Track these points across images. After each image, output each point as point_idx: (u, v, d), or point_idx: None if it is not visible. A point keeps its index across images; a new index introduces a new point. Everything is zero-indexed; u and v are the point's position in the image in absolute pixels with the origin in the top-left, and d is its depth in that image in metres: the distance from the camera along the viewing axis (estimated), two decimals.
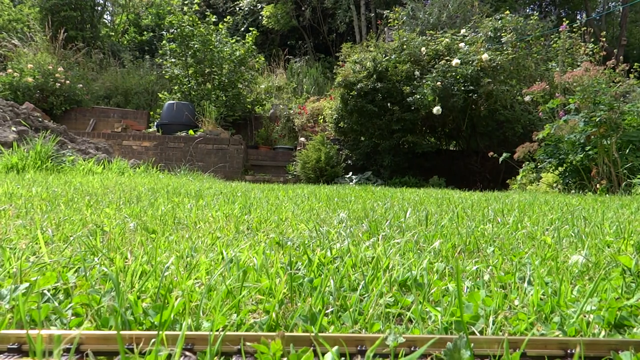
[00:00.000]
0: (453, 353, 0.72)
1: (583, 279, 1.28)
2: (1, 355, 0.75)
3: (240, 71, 10.71)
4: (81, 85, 10.94)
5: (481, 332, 0.92)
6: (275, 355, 0.75)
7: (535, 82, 6.78)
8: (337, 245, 1.57)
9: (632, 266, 1.31)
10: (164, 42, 11.04)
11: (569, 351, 0.79)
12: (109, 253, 1.36)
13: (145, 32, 17.69)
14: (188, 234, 1.76)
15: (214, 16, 10.90)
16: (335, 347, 0.76)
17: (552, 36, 8.46)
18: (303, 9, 14.81)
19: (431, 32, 8.50)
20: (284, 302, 1.04)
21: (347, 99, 7.81)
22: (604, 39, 8.16)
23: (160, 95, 11.36)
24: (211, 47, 10.36)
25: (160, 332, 0.64)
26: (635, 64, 7.84)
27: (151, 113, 11.59)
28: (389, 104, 7.67)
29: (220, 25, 10.89)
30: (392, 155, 7.88)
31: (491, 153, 6.58)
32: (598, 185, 5.12)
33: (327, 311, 0.98)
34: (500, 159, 6.25)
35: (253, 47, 11.06)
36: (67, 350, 0.74)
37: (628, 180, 5.01)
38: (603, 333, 0.92)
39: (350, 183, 7.45)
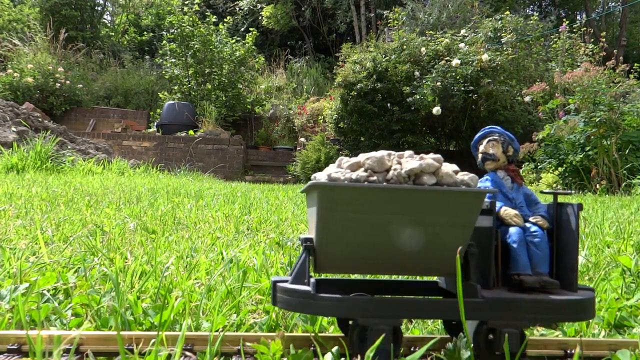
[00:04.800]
0: (453, 353, 0.72)
1: (583, 279, 1.29)
2: (1, 355, 0.75)
3: (240, 71, 10.71)
4: (81, 85, 10.94)
5: None
6: (275, 355, 0.75)
7: (535, 82, 6.78)
8: None
9: (632, 266, 1.31)
10: (164, 42, 11.03)
11: (568, 351, 0.79)
12: (108, 253, 1.36)
13: (145, 33, 17.69)
14: (188, 234, 1.76)
15: (214, 16, 10.90)
16: (335, 347, 0.76)
17: (552, 36, 8.46)
18: (303, 9, 14.81)
19: (431, 32, 8.50)
20: None
21: (347, 99, 7.80)
22: (604, 40, 8.16)
23: (160, 96, 11.36)
24: (211, 47, 10.35)
25: (160, 333, 0.64)
26: (635, 64, 7.84)
27: (151, 113, 11.58)
28: (388, 104, 7.67)
29: (220, 26, 10.89)
30: None
31: None
32: (598, 186, 5.12)
33: None
34: None
35: (253, 47, 11.06)
36: (67, 351, 0.74)
37: (628, 180, 5.01)
38: (603, 333, 0.92)
39: None
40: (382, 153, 0.70)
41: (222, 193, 3.71)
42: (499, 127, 0.84)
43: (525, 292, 0.72)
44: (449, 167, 0.71)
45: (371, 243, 0.69)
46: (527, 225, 0.77)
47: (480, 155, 0.83)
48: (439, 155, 0.71)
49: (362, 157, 0.70)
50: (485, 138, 0.83)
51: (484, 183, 0.82)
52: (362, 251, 0.70)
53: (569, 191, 0.82)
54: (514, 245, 0.74)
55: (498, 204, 0.78)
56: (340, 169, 0.70)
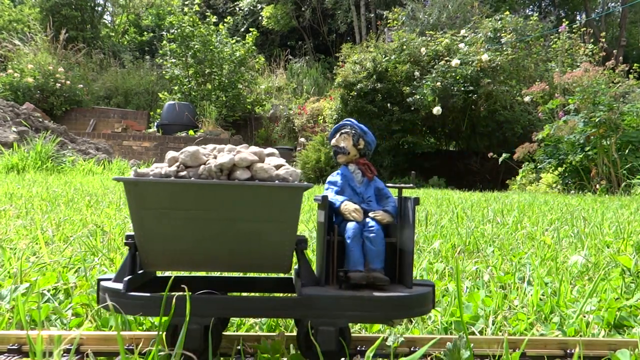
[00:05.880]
0: (453, 353, 0.72)
1: (582, 279, 1.29)
2: (1, 356, 0.75)
3: (240, 71, 10.71)
4: (81, 85, 10.94)
5: (481, 332, 0.92)
6: (275, 355, 0.75)
7: (535, 82, 6.78)
8: None
9: (632, 266, 1.31)
10: (164, 42, 11.03)
11: (568, 351, 0.79)
12: (109, 253, 1.36)
13: (145, 33, 17.69)
14: None
15: (214, 17, 10.90)
16: None
17: (552, 37, 8.46)
18: (303, 9, 14.81)
19: (431, 32, 8.50)
20: None
21: (347, 100, 7.81)
22: (604, 40, 8.16)
23: (161, 96, 11.36)
24: (211, 47, 10.35)
25: (160, 333, 0.64)
26: (635, 64, 7.84)
27: (151, 113, 11.58)
28: (388, 105, 7.67)
29: (220, 26, 10.89)
30: (392, 156, 7.88)
31: (491, 153, 6.58)
32: (597, 186, 5.12)
33: None
34: (500, 160, 6.25)
35: (253, 47, 11.06)
36: (67, 351, 0.74)
37: (627, 180, 5.01)
38: (602, 333, 0.93)
39: None
40: (197, 147, 0.68)
41: None
42: (352, 120, 0.82)
43: (354, 289, 0.70)
44: (273, 161, 0.69)
45: (191, 240, 0.67)
46: (367, 220, 0.75)
47: (333, 149, 0.82)
48: (260, 149, 0.69)
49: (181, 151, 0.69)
50: (339, 131, 0.81)
51: (334, 177, 0.80)
52: (183, 248, 0.68)
53: (410, 185, 0.79)
54: (348, 241, 0.72)
55: (340, 199, 0.76)
56: (163, 164, 0.69)
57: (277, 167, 0.68)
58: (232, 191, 0.65)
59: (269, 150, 0.72)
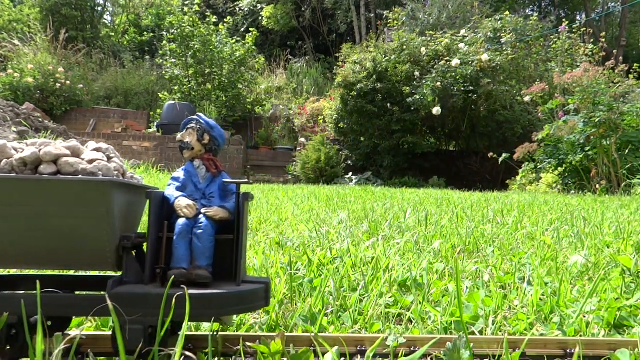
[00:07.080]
0: (453, 353, 0.72)
1: (583, 279, 1.29)
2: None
3: (240, 72, 10.71)
4: (81, 85, 10.93)
5: (481, 332, 0.92)
6: (275, 355, 0.75)
7: (535, 82, 6.78)
8: (337, 246, 1.57)
9: (632, 266, 1.31)
10: (164, 42, 11.03)
11: (568, 351, 0.79)
12: None
13: (145, 33, 17.69)
14: None
15: (214, 17, 10.90)
16: (335, 347, 0.76)
17: (552, 37, 8.46)
18: (303, 9, 14.81)
19: (431, 32, 8.51)
20: (284, 302, 1.04)
21: (347, 100, 7.81)
22: (604, 40, 8.16)
23: (161, 96, 11.36)
24: (211, 47, 10.35)
25: (161, 333, 0.65)
26: (635, 64, 7.84)
27: (151, 113, 11.58)
28: (388, 105, 7.67)
29: (220, 26, 10.89)
30: (392, 156, 7.88)
31: (491, 154, 6.58)
32: (597, 186, 5.12)
33: (327, 311, 0.99)
34: (500, 160, 6.25)
35: (253, 47, 11.06)
36: (67, 351, 0.74)
37: (627, 180, 5.01)
38: (602, 333, 0.93)
39: (350, 183, 7.45)
40: (4, 142, 0.67)
41: None
42: (201, 115, 0.81)
43: (176, 286, 0.69)
44: (91, 156, 0.67)
45: (1, 236, 0.65)
46: (200, 216, 0.74)
47: (179, 144, 0.81)
48: (76, 144, 0.69)
49: None
50: (186, 126, 0.81)
51: (178, 173, 0.80)
52: None
53: (246, 180, 0.78)
54: (174, 238, 0.72)
55: (177, 194, 0.76)
56: None
57: (90, 161, 0.67)
58: (31, 186, 0.64)
59: (101, 145, 0.71)
